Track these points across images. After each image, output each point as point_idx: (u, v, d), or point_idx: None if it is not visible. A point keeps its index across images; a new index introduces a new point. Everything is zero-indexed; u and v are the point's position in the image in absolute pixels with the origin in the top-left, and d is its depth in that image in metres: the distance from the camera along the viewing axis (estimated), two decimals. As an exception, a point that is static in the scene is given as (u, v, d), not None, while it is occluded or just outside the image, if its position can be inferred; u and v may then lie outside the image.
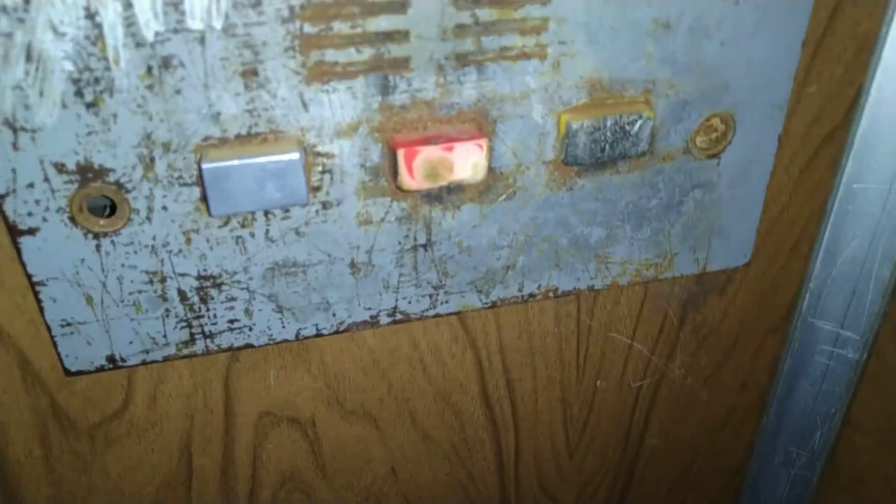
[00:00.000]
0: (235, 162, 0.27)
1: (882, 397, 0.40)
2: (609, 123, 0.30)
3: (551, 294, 0.35)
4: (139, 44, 0.24)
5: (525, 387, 0.40)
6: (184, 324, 0.32)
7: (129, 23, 0.24)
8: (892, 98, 0.34)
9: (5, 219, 0.27)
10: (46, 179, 0.27)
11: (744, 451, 0.48)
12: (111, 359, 0.32)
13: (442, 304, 0.34)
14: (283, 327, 0.33)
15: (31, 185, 0.27)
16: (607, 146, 0.31)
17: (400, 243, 0.32)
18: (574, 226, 0.34)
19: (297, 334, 0.33)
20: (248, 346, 0.33)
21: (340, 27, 0.26)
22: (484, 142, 0.29)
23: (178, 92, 0.26)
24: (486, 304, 0.35)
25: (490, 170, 0.31)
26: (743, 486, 0.50)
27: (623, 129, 0.30)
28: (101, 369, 0.32)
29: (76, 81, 0.25)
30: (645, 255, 0.36)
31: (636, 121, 0.30)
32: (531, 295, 0.35)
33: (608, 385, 0.42)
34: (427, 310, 0.34)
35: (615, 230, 0.34)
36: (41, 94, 0.25)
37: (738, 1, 0.30)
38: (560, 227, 0.33)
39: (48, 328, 0.30)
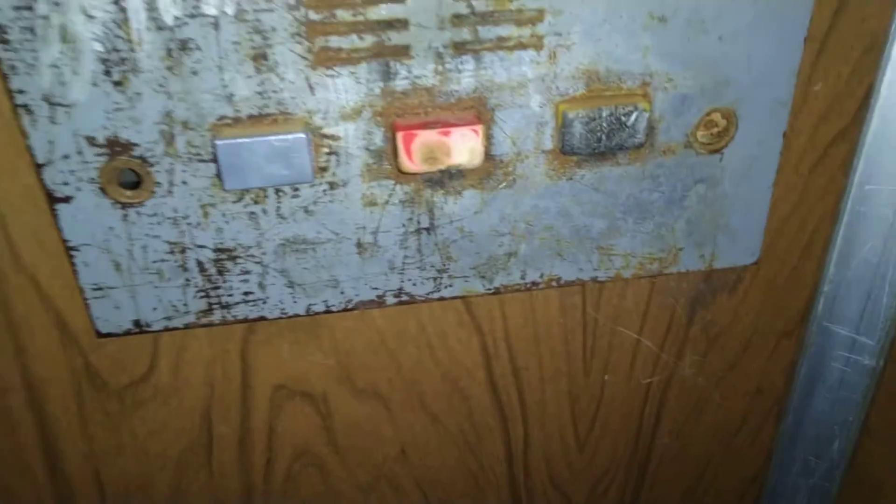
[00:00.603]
0: (246, 139, 0.29)
1: (899, 406, 0.39)
2: (605, 114, 0.31)
3: (554, 283, 0.36)
4: (160, 27, 0.27)
5: (532, 376, 0.41)
6: (202, 294, 0.34)
7: (151, 8, 0.27)
8: (904, 98, 0.33)
9: (44, 187, 0.30)
10: (80, 152, 0.29)
11: (762, 459, 0.47)
12: (137, 323, 0.34)
13: (446, 287, 0.36)
14: (295, 302, 0.35)
15: (66, 157, 0.29)
16: (604, 137, 0.31)
17: (404, 226, 0.34)
18: (575, 216, 0.35)
19: (308, 309, 0.35)
20: (262, 318, 0.35)
21: (343, 15, 0.28)
22: (480, 127, 0.30)
23: (195, 73, 0.28)
24: (489, 289, 0.36)
25: (490, 157, 0.32)
26: (762, 495, 0.49)
27: (619, 120, 0.31)
28: (128, 333, 0.35)
29: (105, 61, 0.27)
30: (648, 249, 0.36)
31: (632, 112, 0.31)
32: (534, 283, 0.36)
33: (616, 380, 0.42)
34: (431, 292, 0.36)
35: (617, 222, 0.35)
36: (74, 72, 0.27)
37: (737, -4, 0.30)
38: (561, 216, 0.34)
39: (81, 291, 0.33)
